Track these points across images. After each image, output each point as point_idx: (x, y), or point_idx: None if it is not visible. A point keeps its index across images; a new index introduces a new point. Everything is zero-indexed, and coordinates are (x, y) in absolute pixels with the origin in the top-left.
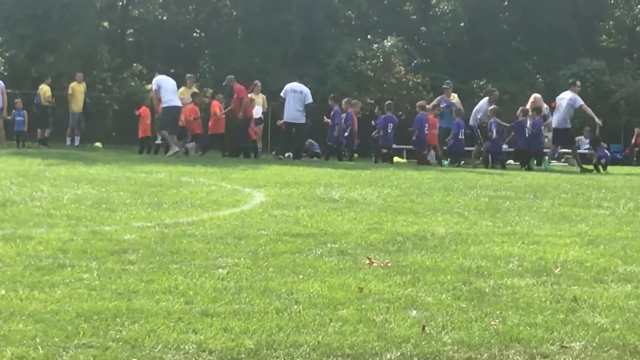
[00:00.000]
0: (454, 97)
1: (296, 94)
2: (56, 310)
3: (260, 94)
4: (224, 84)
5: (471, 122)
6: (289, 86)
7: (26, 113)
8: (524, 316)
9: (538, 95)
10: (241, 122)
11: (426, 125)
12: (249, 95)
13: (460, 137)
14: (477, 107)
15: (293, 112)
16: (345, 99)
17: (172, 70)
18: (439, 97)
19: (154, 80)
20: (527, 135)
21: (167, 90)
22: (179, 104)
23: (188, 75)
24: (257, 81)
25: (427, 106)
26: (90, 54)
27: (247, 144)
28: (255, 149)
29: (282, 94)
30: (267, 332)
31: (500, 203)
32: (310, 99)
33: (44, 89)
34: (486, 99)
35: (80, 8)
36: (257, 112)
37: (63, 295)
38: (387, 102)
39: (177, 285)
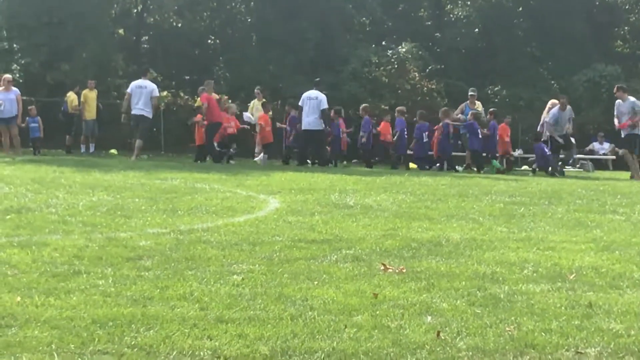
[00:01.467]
0: (478, 105)
1: (312, 101)
2: (71, 317)
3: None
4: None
5: (547, 131)
6: (305, 94)
7: (40, 119)
8: (539, 322)
9: (554, 101)
10: (207, 127)
11: (426, 133)
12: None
13: (424, 140)
14: (550, 116)
15: (310, 119)
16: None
17: (187, 77)
18: (462, 105)
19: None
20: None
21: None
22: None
23: (256, 89)
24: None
25: (454, 115)
26: (105, 61)
27: (210, 148)
28: (219, 153)
29: (300, 103)
30: (282, 338)
31: (515, 209)
32: (325, 105)
33: (71, 97)
34: (557, 106)
35: (95, 16)
36: (245, 117)
37: (78, 301)
38: (419, 111)
39: (192, 292)
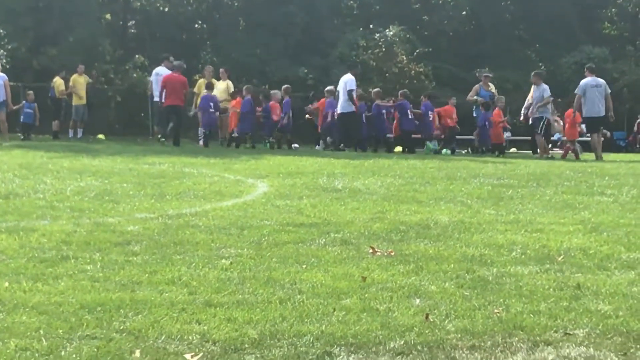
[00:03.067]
0: (492, 87)
1: (341, 85)
2: (60, 302)
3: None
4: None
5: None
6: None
7: (36, 106)
8: (527, 304)
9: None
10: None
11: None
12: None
13: (409, 117)
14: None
15: (341, 103)
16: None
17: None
18: (477, 86)
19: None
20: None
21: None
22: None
23: (221, 70)
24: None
25: (468, 97)
26: (92, 46)
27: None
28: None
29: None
30: (270, 322)
31: (503, 191)
32: (350, 87)
33: (58, 82)
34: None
35: (82, 0)
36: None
37: (66, 286)
38: (402, 91)
39: (180, 276)
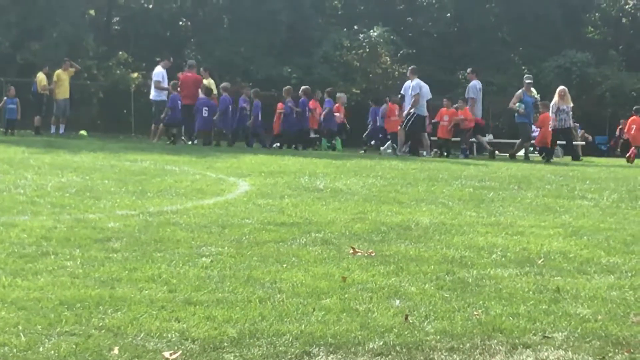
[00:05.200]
0: (534, 92)
1: (407, 90)
2: (39, 298)
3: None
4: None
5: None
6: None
7: (19, 101)
8: (507, 306)
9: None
10: None
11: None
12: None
13: (377, 124)
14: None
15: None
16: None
17: (157, 59)
18: (519, 92)
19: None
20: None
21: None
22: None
23: (202, 69)
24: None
25: (511, 105)
26: (75, 41)
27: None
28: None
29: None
30: (250, 320)
31: (484, 194)
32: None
33: (40, 77)
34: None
35: None
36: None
37: (46, 282)
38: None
39: (160, 274)
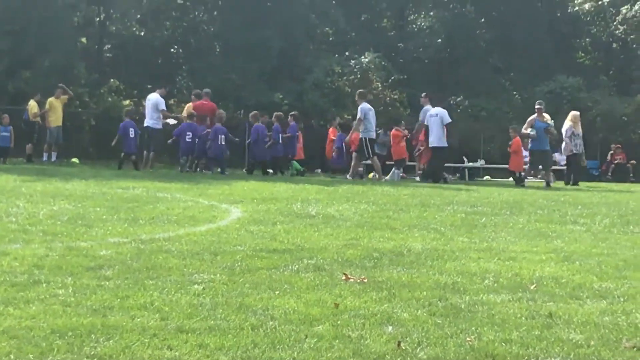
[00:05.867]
0: (547, 117)
1: (433, 118)
2: (31, 327)
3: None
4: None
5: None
6: (427, 112)
7: (12, 129)
8: (500, 332)
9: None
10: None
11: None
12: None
13: (343, 150)
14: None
15: (434, 137)
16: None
17: (149, 86)
18: (531, 118)
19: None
20: (280, 141)
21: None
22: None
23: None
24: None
25: (523, 131)
26: (67, 69)
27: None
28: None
29: (425, 122)
30: (242, 348)
31: (476, 219)
32: (448, 120)
33: (31, 105)
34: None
35: (58, 24)
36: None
37: (38, 311)
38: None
39: (152, 301)
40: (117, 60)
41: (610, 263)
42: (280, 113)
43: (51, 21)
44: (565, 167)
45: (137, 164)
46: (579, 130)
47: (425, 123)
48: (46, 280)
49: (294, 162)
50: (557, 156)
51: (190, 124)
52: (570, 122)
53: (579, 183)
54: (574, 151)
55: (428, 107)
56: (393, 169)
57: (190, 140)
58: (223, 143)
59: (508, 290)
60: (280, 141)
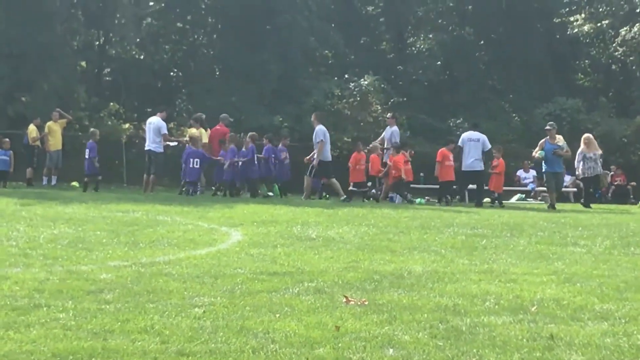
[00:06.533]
0: (559, 139)
1: (472, 142)
2: (31, 351)
3: (200, 129)
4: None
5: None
6: (466, 135)
7: (12, 153)
8: (501, 354)
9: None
10: None
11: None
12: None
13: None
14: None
15: (470, 161)
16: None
17: (149, 109)
18: (542, 140)
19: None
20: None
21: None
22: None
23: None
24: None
25: (533, 154)
26: (66, 93)
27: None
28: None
29: (459, 143)
30: None
31: (477, 241)
32: (488, 146)
33: (31, 129)
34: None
35: (57, 48)
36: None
37: (39, 335)
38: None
39: (153, 325)
40: (116, 83)
41: (611, 285)
42: (254, 133)
43: (51, 45)
44: (570, 189)
45: (87, 186)
46: (592, 152)
47: (460, 145)
48: (47, 304)
49: (275, 185)
50: (566, 179)
51: (197, 151)
52: (582, 144)
53: (592, 206)
54: (585, 174)
55: (395, 128)
56: (395, 193)
57: (196, 166)
58: (195, 166)
59: (509, 312)
60: (256, 162)
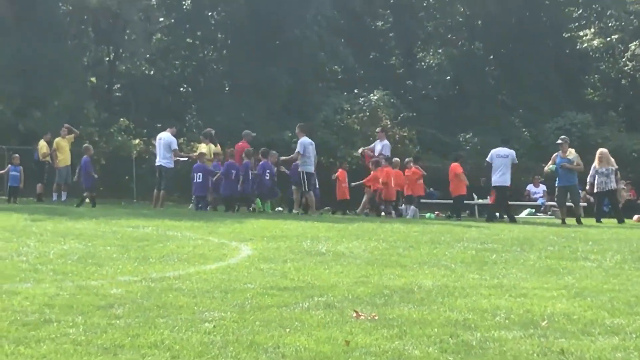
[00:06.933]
0: (571, 153)
1: (501, 159)
2: None
3: (210, 145)
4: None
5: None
6: (495, 151)
7: (22, 169)
8: None
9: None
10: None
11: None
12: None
13: (267, 178)
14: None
15: (498, 176)
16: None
17: (159, 125)
18: (554, 155)
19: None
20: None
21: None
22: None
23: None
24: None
25: (545, 168)
26: (77, 109)
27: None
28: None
29: (488, 159)
30: None
31: (487, 256)
32: (515, 161)
33: (41, 145)
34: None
35: (68, 64)
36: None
37: (49, 350)
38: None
39: (163, 340)
40: (126, 99)
41: (622, 299)
42: (251, 149)
43: (61, 61)
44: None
45: (93, 200)
46: (604, 167)
47: (489, 161)
48: (57, 319)
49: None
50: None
51: (202, 166)
52: (596, 159)
53: (602, 220)
54: (597, 190)
55: (386, 141)
56: (408, 205)
57: (201, 180)
58: (200, 180)
59: (519, 326)
60: (250, 177)
